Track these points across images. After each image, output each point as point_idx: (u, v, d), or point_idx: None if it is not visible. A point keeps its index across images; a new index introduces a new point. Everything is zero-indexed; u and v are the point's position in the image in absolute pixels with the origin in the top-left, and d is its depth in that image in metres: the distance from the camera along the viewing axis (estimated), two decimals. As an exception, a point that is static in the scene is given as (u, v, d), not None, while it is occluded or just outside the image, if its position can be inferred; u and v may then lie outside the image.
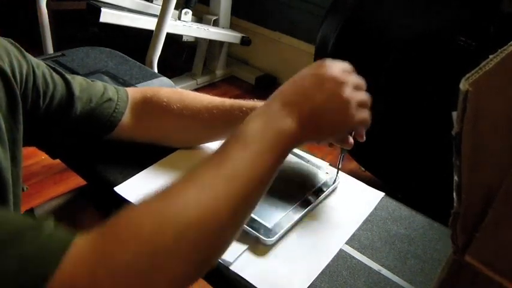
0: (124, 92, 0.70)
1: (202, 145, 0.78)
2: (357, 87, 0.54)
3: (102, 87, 0.67)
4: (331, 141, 0.62)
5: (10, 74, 0.52)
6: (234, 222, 0.43)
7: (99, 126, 0.66)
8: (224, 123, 0.69)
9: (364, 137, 0.62)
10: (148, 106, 0.70)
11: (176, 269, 0.37)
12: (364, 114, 0.54)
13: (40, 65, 0.59)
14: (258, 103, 0.68)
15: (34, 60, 0.59)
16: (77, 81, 0.64)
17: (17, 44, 0.56)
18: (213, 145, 0.78)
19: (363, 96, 0.54)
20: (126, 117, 0.68)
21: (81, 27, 2.42)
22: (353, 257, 0.62)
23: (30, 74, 0.56)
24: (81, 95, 0.63)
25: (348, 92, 0.52)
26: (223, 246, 0.43)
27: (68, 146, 0.70)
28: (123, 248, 0.36)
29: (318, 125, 0.51)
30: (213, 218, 0.40)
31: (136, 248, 0.36)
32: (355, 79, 0.54)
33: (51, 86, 0.59)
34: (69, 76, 0.64)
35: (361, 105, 0.53)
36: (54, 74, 0.61)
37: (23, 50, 0.56)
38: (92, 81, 0.68)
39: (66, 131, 0.64)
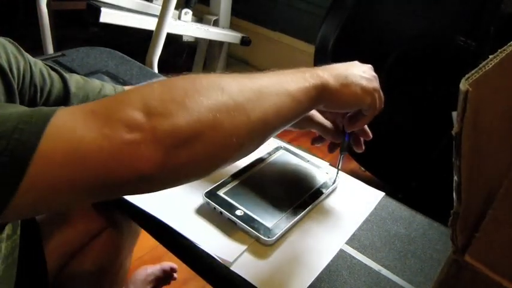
0: (121, 89, 0.70)
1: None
2: None
3: (99, 85, 0.67)
4: (353, 107, 0.62)
5: (8, 70, 0.52)
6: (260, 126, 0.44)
7: None
8: None
9: (363, 146, 0.68)
10: None
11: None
12: (381, 97, 0.60)
13: (37, 63, 0.59)
14: None
15: (31, 58, 0.59)
16: (74, 79, 0.65)
17: (14, 42, 0.57)
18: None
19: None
20: None
21: (81, 27, 2.42)
22: (353, 257, 0.62)
23: (28, 71, 0.56)
24: (78, 92, 0.63)
25: (375, 77, 0.59)
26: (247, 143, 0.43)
27: None
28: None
29: (348, 82, 0.54)
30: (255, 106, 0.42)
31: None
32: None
33: (48, 82, 0.60)
34: (66, 73, 0.64)
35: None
36: (51, 71, 0.61)
37: (20, 48, 0.57)
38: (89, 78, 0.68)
39: None
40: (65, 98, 0.62)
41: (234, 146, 0.41)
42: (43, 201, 0.36)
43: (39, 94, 0.58)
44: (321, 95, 0.51)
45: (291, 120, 0.49)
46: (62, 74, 0.63)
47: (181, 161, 0.37)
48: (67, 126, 0.35)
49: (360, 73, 0.56)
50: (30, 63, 0.57)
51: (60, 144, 0.34)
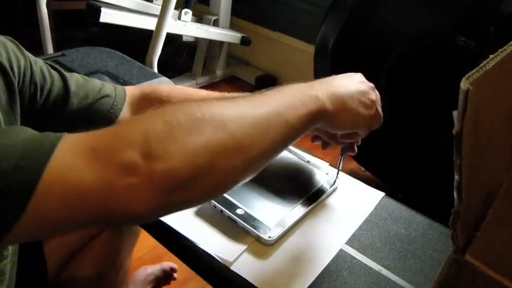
0: (122, 89, 0.70)
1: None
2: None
3: (99, 84, 0.67)
4: (347, 131, 0.62)
5: (8, 68, 0.52)
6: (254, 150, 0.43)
7: (97, 123, 0.66)
8: None
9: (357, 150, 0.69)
10: (147, 102, 0.70)
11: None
12: (379, 117, 0.60)
13: (38, 61, 0.59)
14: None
15: (32, 56, 0.59)
16: (74, 78, 0.65)
17: (15, 40, 0.57)
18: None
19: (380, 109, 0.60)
20: (124, 114, 0.68)
21: (81, 27, 2.42)
22: (353, 257, 0.62)
23: (28, 69, 0.56)
24: (78, 91, 0.63)
25: (375, 96, 0.58)
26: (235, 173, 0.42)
27: None
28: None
29: (345, 108, 0.54)
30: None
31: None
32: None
33: (49, 81, 0.60)
34: (66, 72, 0.64)
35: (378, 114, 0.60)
36: (51, 70, 0.61)
37: (21, 46, 0.57)
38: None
39: (62, 127, 0.64)
40: (64, 97, 0.62)
41: (230, 183, 0.42)
42: (42, 231, 0.38)
43: (39, 92, 0.58)
44: (318, 119, 0.51)
45: (288, 146, 0.49)
46: (62, 72, 0.63)
47: (176, 201, 0.38)
48: (67, 165, 0.36)
49: (359, 96, 0.56)
50: (30, 62, 0.57)
51: (60, 185, 0.35)
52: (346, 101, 0.54)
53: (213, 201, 0.64)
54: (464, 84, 0.29)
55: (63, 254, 0.72)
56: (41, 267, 0.69)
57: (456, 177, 0.30)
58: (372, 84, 0.59)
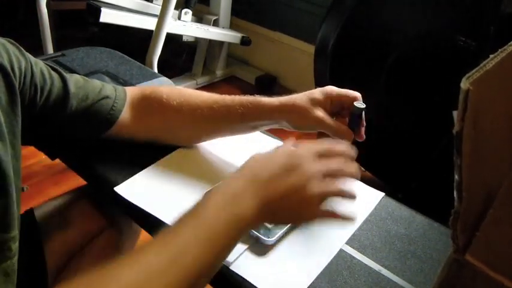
0: (122, 90, 0.70)
1: (202, 144, 0.78)
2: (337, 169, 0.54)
3: (100, 85, 0.67)
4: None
5: (9, 70, 0.52)
6: None
7: (97, 124, 0.66)
8: (224, 117, 0.69)
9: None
10: (148, 103, 0.70)
11: None
12: (323, 211, 0.53)
13: (38, 63, 0.60)
14: (257, 98, 0.68)
15: (32, 58, 0.59)
16: (74, 79, 0.65)
17: (16, 43, 0.57)
18: (213, 145, 0.78)
19: (332, 187, 0.53)
20: (124, 115, 0.68)
21: (81, 27, 2.42)
22: (353, 257, 0.62)
23: (29, 70, 0.56)
24: (77, 92, 0.63)
25: (315, 188, 0.51)
26: None
27: (67, 145, 0.70)
28: None
29: (275, 213, 0.51)
30: None
31: None
32: (332, 163, 0.54)
33: (49, 82, 0.60)
34: (66, 74, 0.64)
35: (326, 194, 0.53)
36: (51, 71, 0.62)
37: (21, 48, 0.57)
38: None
39: (62, 128, 0.64)
40: (64, 98, 0.62)
41: None
42: None
43: (39, 94, 0.59)
44: (246, 227, 0.49)
45: (219, 263, 0.48)
46: (62, 74, 0.63)
47: None
48: None
49: (291, 194, 0.50)
50: (31, 63, 0.57)
51: None
52: (276, 212, 0.50)
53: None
54: (464, 84, 0.29)
55: (63, 254, 0.72)
56: (41, 267, 0.69)
57: (456, 177, 0.30)
58: (313, 170, 0.52)
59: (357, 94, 0.66)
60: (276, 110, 0.67)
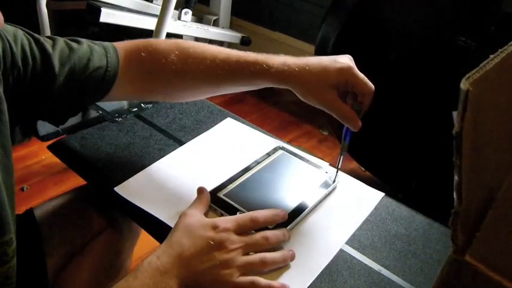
0: (114, 52, 0.65)
1: (202, 144, 0.78)
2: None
3: (87, 52, 0.62)
4: None
5: None
6: None
7: (90, 95, 0.63)
8: (230, 81, 0.66)
9: None
10: (144, 63, 0.65)
11: None
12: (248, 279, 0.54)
13: (18, 39, 0.55)
14: (269, 60, 0.63)
15: (11, 33, 0.54)
16: (59, 52, 0.59)
17: None
18: (213, 145, 0.78)
19: (253, 259, 0.56)
20: (119, 80, 0.64)
21: (81, 27, 2.42)
22: (353, 257, 0.62)
23: (8, 53, 0.53)
24: (62, 70, 0.59)
25: (236, 263, 0.54)
26: None
27: (70, 114, 0.67)
28: None
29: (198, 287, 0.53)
30: None
31: None
32: (255, 237, 0.57)
33: (31, 61, 0.56)
34: (49, 47, 0.58)
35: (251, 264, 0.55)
36: (34, 45, 0.57)
37: None
38: (77, 42, 0.63)
39: (54, 104, 0.61)
40: (49, 77, 0.58)
41: None
42: None
43: (22, 74, 0.55)
44: None
45: None
46: (45, 48, 0.58)
47: None
48: None
49: (211, 274, 0.53)
50: (9, 43, 0.54)
51: None
52: (198, 279, 0.53)
53: (212, 204, 0.64)
54: (464, 84, 0.29)
55: (63, 254, 0.72)
56: (41, 267, 0.69)
57: (456, 177, 0.30)
58: (233, 245, 0.55)
59: (373, 89, 0.63)
60: (283, 80, 0.63)
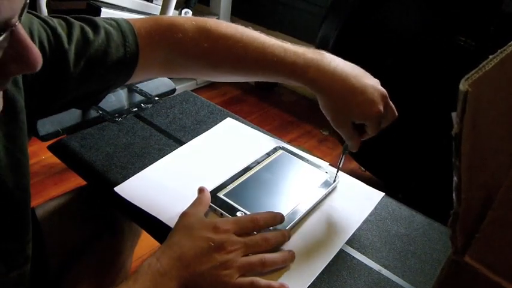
0: (133, 41, 0.60)
1: (202, 144, 0.78)
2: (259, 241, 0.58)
3: (104, 45, 0.57)
4: None
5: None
6: None
7: (108, 86, 0.62)
8: (265, 73, 0.65)
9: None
10: (170, 51, 0.62)
11: None
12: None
13: (33, 32, 0.52)
14: (299, 58, 0.62)
15: (26, 27, 0.50)
16: (74, 45, 0.55)
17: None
18: (213, 145, 0.78)
19: (253, 260, 0.56)
20: (140, 67, 0.62)
21: (81, 27, 2.42)
22: (353, 257, 0.62)
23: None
24: (77, 66, 0.56)
25: (235, 264, 0.54)
26: None
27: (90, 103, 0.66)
28: None
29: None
30: None
31: None
32: (254, 238, 0.57)
33: (48, 57, 0.53)
34: (65, 40, 0.54)
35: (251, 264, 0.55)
36: (51, 38, 0.54)
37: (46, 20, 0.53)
38: (94, 28, 0.58)
39: (72, 98, 0.60)
40: (63, 75, 0.55)
41: None
42: None
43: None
44: None
45: None
46: (63, 45, 0.54)
47: None
48: None
49: (211, 275, 0.53)
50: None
51: None
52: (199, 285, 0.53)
53: (212, 204, 0.64)
54: (463, 85, 0.29)
55: (63, 254, 0.72)
56: (41, 267, 0.69)
57: (455, 178, 0.30)
58: (232, 247, 0.55)
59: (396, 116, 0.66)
60: (315, 88, 0.63)
